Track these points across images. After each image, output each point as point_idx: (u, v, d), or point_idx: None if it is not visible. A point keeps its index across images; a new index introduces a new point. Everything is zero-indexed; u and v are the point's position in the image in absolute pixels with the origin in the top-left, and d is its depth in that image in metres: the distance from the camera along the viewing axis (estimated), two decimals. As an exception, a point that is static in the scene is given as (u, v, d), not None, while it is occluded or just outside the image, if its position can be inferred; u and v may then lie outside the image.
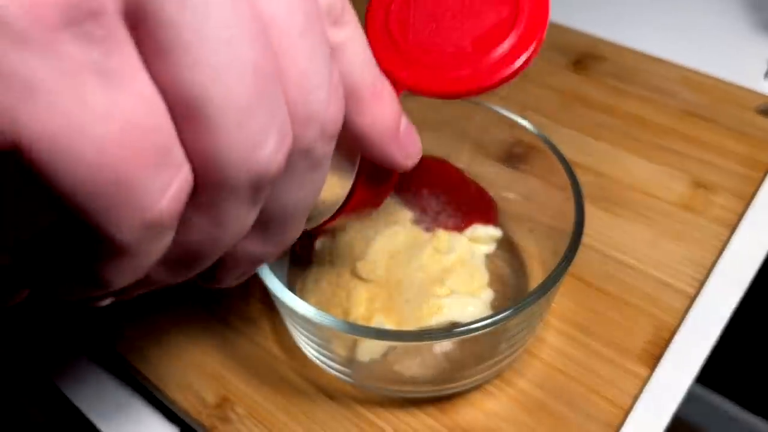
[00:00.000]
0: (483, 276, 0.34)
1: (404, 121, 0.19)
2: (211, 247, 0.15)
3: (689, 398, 0.33)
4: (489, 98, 0.48)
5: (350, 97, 0.17)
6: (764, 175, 0.42)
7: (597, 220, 0.40)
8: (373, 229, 0.35)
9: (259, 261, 0.18)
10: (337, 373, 0.32)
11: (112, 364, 0.37)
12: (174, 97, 0.13)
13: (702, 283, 0.36)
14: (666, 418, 0.32)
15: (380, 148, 0.18)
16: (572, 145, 0.44)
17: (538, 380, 0.33)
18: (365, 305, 0.32)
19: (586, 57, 0.51)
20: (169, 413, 0.35)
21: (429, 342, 0.29)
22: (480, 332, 0.27)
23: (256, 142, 0.13)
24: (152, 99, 0.13)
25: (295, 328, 0.32)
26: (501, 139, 0.37)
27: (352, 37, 0.16)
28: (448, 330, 0.27)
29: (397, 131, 0.18)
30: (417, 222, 0.36)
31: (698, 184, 0.41)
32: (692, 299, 0.36)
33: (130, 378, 0.36)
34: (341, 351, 0.31)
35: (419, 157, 0.19)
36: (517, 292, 0.35)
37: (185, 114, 0.13)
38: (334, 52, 0.16)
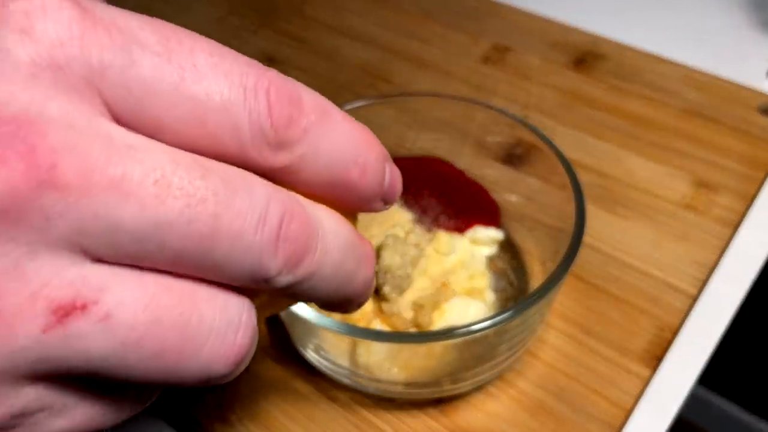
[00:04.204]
0: (484, 277, 0.34)
1: (387, 173, 0.17)
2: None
3: (691, 399, 0.32)
4: (490, 98, 0.48)
5: (336, 189, 0.16)
6: (766, 175, 0.42)
7: (598, 220, 0.40)
8: (373, 231, 0.34)
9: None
10: (336, 375, 0.32)
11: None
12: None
13: (704, 283, 0.36)
14: (668, 419, 0.32)
15: (366, 206, 0.18)
16: (573, 144, 0.44)
17: (540, 381, 0.33)
18: (365, 307, 0.32)
19: (587, 56, 0.51)
20: (169, 415, 0.35)
21: (429, 343, 0.29)
22: (480, 333, 0.27)
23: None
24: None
25: (295, 329, 0.32)
26: (502, 140, 0.37)
27: (306, 150, 0.15)
28: (449, 331, 0.27)
29: (382, 188, 0.17)
30: (418, 223, 0.36)
31: (700, 184, 0.41)
32: (694, 299, 0.36)
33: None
34: (341, 353, 0.31)
35: (398, 196, 0.19)
36: (518, 293, 0.35)
37: None
38: (287, 169, 0.15)
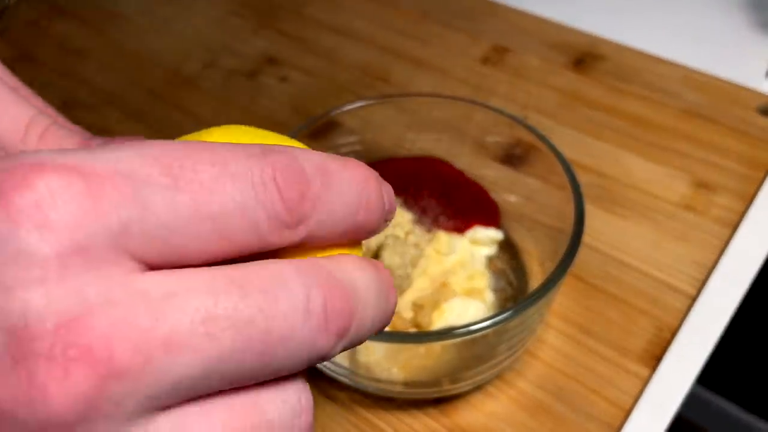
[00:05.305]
0: (483, 277, 0.34)
1: (385, 196, 0.18)
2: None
3: (690, 399, 0.33)
4: (489, 98, 0.48)
5: (349, 235, 0.17)
6: (765, 175, 0.42)
7: (597, 220, 0.40)
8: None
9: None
10: (336, 375, 0.32)
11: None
12: None
13: (703, 284, 0.36)
14: (667, 419, 0.32)
15: (373, 235, 0.18)
16: (572, 145, 0.44)
17: (539, 381, 0.33)
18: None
19: (586, 56, 0.51)
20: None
21: (429, 343, 0.29)
22: (480, 333, 0.27)
23: None
24: None
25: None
26: (501, 140, 0.37)
27: (320, 216, 0.15)
28: (448, 331, 0.27)
29: (384, 214, 0.18)
30: (417, 223, 0.36)
31: (699, 184, 0.41)
32: (693, 299, 0.36)
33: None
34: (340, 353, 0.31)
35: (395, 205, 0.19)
36: (518, 293, 0.35)
37: None
38: (306, 239, 0.16)
